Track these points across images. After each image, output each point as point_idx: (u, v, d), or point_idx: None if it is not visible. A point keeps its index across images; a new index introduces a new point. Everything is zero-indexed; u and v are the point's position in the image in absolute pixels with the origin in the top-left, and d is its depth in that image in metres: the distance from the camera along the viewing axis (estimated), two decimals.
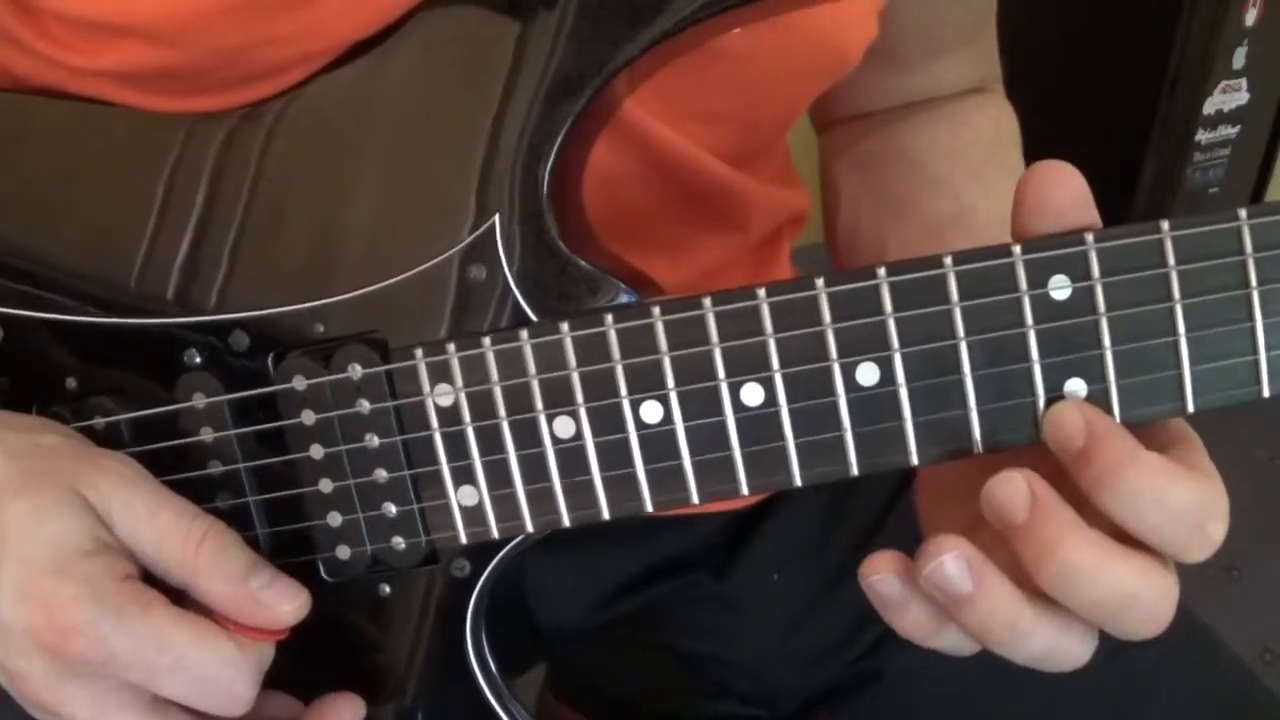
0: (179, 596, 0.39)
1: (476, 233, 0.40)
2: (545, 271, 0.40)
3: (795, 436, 0.37)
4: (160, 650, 0.37)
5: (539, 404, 0.39)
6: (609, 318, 0.38)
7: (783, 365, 0.37)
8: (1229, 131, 1.72)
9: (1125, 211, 1.69)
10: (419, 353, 0.40)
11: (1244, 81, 1.68)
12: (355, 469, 0.41)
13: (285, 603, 0.40)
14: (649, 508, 0.39)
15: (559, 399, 0.39)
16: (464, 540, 0.41)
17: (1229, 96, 1.68)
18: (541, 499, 0.40)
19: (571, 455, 0.39)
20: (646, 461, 0.39)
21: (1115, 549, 0.34)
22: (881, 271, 0.36)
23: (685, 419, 0.38)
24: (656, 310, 0.38)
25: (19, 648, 0.38)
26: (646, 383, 0.38)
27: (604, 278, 0.40)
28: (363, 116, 0.41)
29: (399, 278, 0.40)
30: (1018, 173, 0.36)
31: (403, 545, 0.42)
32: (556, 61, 0.39)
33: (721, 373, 0.37)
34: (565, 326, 0.38)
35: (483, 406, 0.39)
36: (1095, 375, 0.36)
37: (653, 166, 0.50)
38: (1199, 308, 0.35)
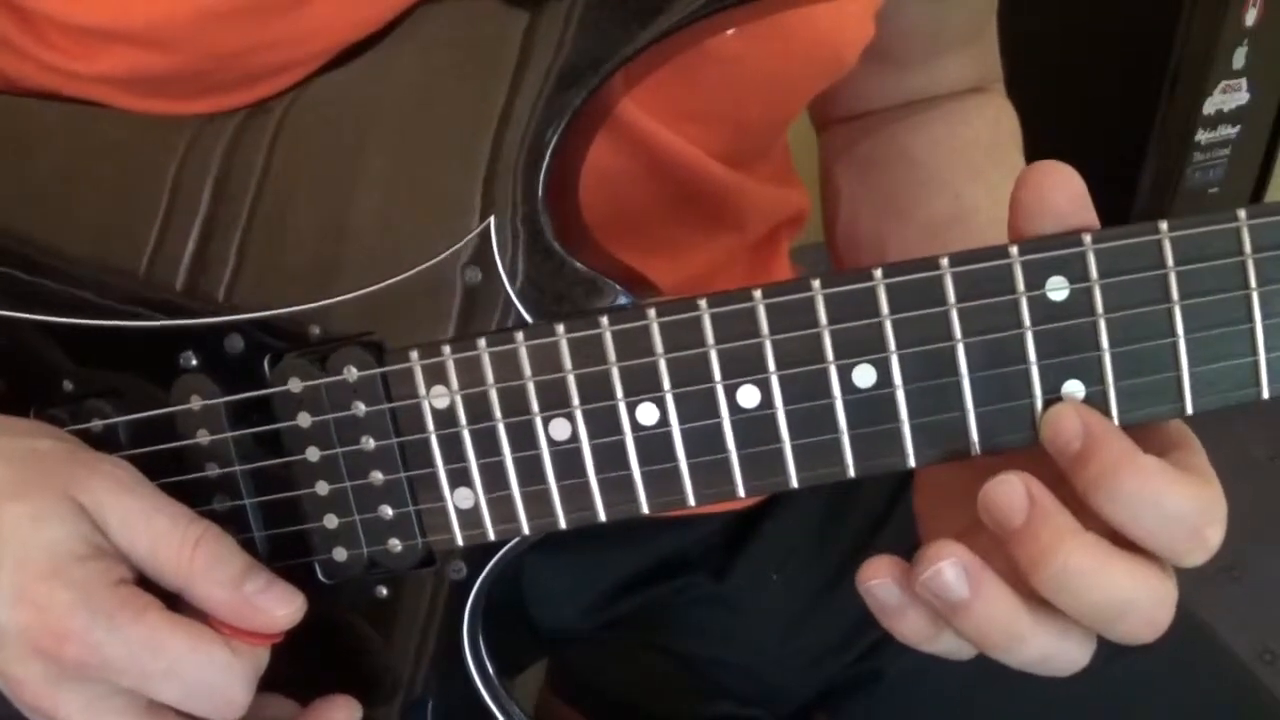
0: (175, 601, 0.39)
1: (472, 235, 0.40)
2: (541, 273, 0.39)
3: (792, 438, 0.37)
4: (154, 655, 0.37)
5: (535, 406, 0.39)
6: (604, 319, 0.38)
7: (779, 367, 0.37)
8: (1229, 131, 1.72)
9: (1125, 212, 1.69)
10: (414, 355, 0.40)
11: (1244, 81, 1.68)
12: (351, 471, 0.41)
13: (281, 607, 0.40)
14: (645, 510, 0.39)
15: (555, 401, 0.39)
16: (460, 542, 0.41)
17: (1229, 96, 1.68)
18: (538, 501, 0.40)
19: (567, 457, 0.39)
20: (642, 463, 0.38)
21: (1113, 553, 0.33)
22: (878, 273, 0.36)
23: (681, 421, 0.38)
24: (652, 312, 0.37)
25: (15, 653, 0.38)
26: (642, 384, 0.38)
27: (600, 279, 0.39)
28: (361, 118, 0.41)
29: (395, 280, 0.40)
30: (1018, 172, 0.36)
31: (399, 547, 0.42)
32: (560, 59, 0.38)
33: (717, 374, 0.37)
34: (561, 328, 0.38)
35: (478, 408, 0.39)
36: (1093, 377, 0.35)
37: (649, 167, 0.50)
38: (1198, 309, 0.35)
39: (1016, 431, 0.36)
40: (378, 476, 0.41)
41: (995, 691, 0.57)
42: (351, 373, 0.40)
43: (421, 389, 0.40)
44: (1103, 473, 0.33)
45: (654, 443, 0.38)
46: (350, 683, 0.43)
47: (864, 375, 0.36)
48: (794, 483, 0.38)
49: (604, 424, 0.38)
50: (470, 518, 0.41)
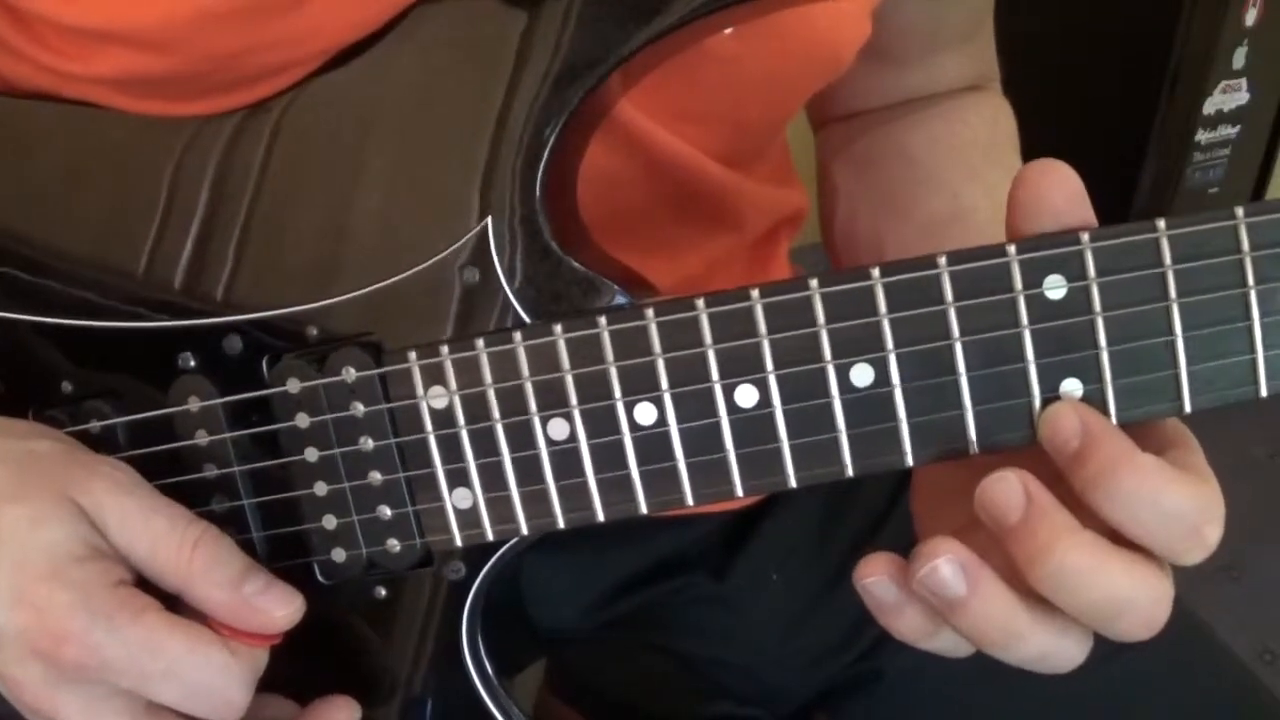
0: (173, 602, 0.39)
1: (470, 235, 0.40)
2: (539, 273, 0.40)
3: (790, 438, 0.37)
4: (153, 657, 0.37)
5: (533, 406, 0.39)
6: (602, 319, 0.38)
7: (777, 366, 0.37)
8: (1229, 131, 1.72)
9: (1125, 211, 1.69)
10: (412, 355, 0.40)
11: (1244, 81, 1.68)
12: (350, 472, 0.41)
13: (279, 608, 0.40)
14: (644, 510, 0.39)
15: (553, 401, 0.39)
16: (459, 543, 0.41)
17: (1229, 96, 1.68)
18: (536, 501, 0.40)
19: (565, 457, 0.39)
20: (641, 463, 0.38)
21: (1110, 551, 0.33)
22: (876, 272, 0.36)
23: (679, 421, 0.38)
24: (650, 312, 0.37)
25: (14, 654, 0.38)
26: (640, 384, 0.38)
27: (598, 279, 0.39)
28: (359, 119, 0.41)
29: (393, 280, 0.40)
30: (1015, 171, 0.36)
31: (398, 548, 0.42)
32: (558, 59, 0.38)
33: (715, 374, 0.37)
34: (559, 328, 0.38)
35: (477, 409, 0.39)
36: (1091, 375, 0.35)
37: (647, 167, 0.50)
38: (1195, 307, 0.34)
39: (1014, 430, 0.36)
40: (376, 477, 0.41)
41: (995, 691, 0.57)
42: (350, 373, 0.40)
43: (420, 389, 0.40)
44: (1101, 471, 0.33)
45: (652, 442, 0.38)
46: (349, 683, 0.43)
47: (862, 374, 0.36)
48: (792, 482, 0.38)
49: (602, 424, 0.38)
50: (469, 518, 0.41)
